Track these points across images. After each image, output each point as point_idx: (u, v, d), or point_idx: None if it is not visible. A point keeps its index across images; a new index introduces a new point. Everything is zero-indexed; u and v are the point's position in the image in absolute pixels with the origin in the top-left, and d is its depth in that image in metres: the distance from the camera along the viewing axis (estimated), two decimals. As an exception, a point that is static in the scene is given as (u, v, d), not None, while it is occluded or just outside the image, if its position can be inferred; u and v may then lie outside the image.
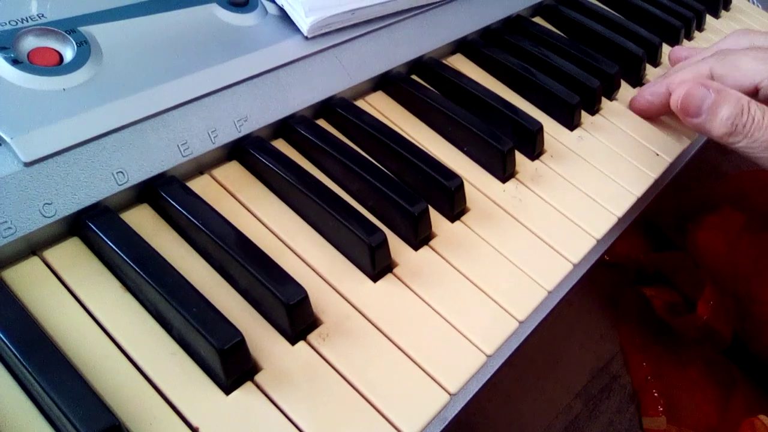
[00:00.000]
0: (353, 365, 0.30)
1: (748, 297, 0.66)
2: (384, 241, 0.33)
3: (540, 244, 0.38)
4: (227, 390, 0.28)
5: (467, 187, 0.39)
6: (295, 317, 0.30)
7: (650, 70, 0.56)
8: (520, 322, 0.34)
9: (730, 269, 0.67)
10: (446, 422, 0.30)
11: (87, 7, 0.36)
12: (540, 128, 0.43)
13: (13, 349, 0.26)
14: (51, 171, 0.31)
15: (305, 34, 0.40)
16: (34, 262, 0.31)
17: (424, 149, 0.40)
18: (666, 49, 0.58)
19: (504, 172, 0.41)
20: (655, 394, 0.59)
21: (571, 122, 0.46)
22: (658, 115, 0.50)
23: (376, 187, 0.36)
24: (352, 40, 0.42)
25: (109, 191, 0.32)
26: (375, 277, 0.34)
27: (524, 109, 0.45)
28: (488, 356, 0.32)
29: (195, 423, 0.27)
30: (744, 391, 0.63)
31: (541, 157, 0.44)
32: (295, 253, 0.34)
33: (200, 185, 0.36)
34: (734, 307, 0.65)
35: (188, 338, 0.28)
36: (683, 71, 0.47)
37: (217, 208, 0.33)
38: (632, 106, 0.50)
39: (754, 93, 0.43)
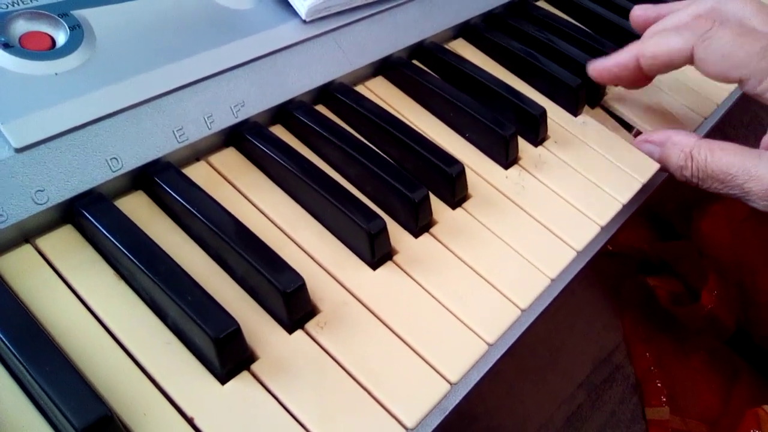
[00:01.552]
0: (351, 354, 0.29)
1: (752, 286, 0.65)
2: (383, 229, 0.32)
3: (543, 231, 0.37)
4: (223, 379, 0.27)
5: (469, 174, 0.38)
6: (293, 305, 0.29)
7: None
8: (523, 311, 0.33)
9: (734, 258, 0.66)
10: (447, 412, 0.29)
11: (80, -11, 0.36)
12: (543, 113, 0.42)
13: (5, 339, 0.25)
14: (43, 157, 0.30)
15: (303, 18, 0.39)
16: (27, 250, 0.30)
17: (424, 135, 0.39)
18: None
19: (506, 158, 0.40)
20: (658, 385, 0.59)
21: (575, 107, 0.45)
22: (623, 84, 0.46)
23: (375, 174, 0.35)
24: (352, 24, 0.42)
25: (102, 178, 0.31)
26: (374, 265, 0.33)
27: (528, 95, 0.44)
28: (490, 345, 0.32)
29: (190, 413, 0.26)
30: (747, 381, 0.62)
31: (545, 143, 0.43)
32: (293, 241, 0.33)
33: (196, 172, 0.35)
34: (738, 297, 0.65)
35: (183, 327, 0.28)
36: (654, 42, 0.41)
37: (213, 195, 0.32)
38: (594, 76, 0.45)
39: (739, 82, 0.40)
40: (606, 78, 0.44)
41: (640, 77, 0.43)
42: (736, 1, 0.42)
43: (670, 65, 0.41)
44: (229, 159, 0.36)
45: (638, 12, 0.48)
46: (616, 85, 0.46)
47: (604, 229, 0.39)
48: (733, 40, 0.38)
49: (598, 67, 0.44)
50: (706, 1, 0.43)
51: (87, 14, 0.35)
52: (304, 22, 0.39)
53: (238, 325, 0.27)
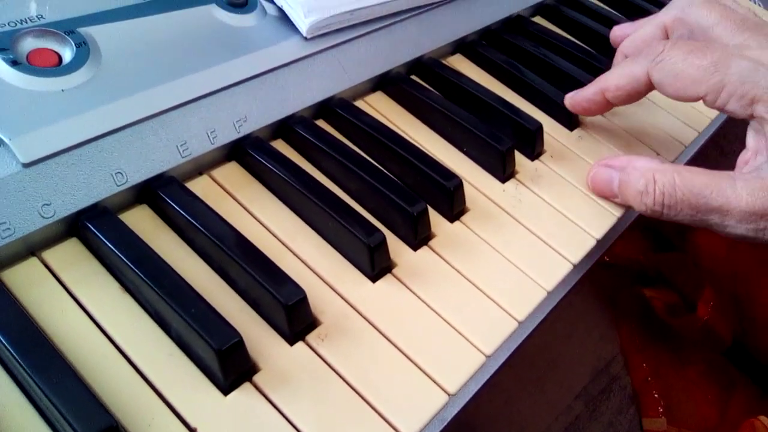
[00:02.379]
0: (352, 366, 0.30)
1: (747, 298, 0.65)
2: (383, 242, 0.33)
3: (540, 244, 0.38)
4: (225, 391, 0.28)
5: (467, 188, 0.39)
6: (294, 318, 0.29)
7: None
8: (520, 323, 0.34)
9: (730, 270, 0.66)
10: (445, 423, 0.30)
11: (86, 8, 0.36)
12: (539, 128, 0.42)
13: (12, 350, 0.26)
14: (50, 172, 0.31)
15: (304, 35, 0.40)
16: (33, 263, 0.31)
17: (423, 150, 0.40)
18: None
19: (503, 172, 0.41)
20: (655, 395, 0.59)
21: (570, 122, 0.46)
22: (598, 114, 0.47)
23: (375, 188, 0.36)
24: (352, 41, 0.42)
25: (107, 192, 0.32)
26: (374, 278, 0.34)
27: (524, 110, 0.44)
28: (487, 357, 0.32)
29: (193, 424, 0.27)
30: (744, 392, 0.62)
31: (541, 157, 0.44)
32: (294, 254, 0.34)
33: (199, 186, 0.36)
34: (734, 309, 0.65)
35: (187, 339, 0.28)
36: (615, 74, 0.41)
37: (216, 209, 0.33)
38: (569, 107, 0.45)
39: (700, 100, 0.38)
40: (579, 111, 0.45)
41: (610, 107, 0.43)
42: (701, 9, 0.41)
43: (634, 94, 0.41)
44: (232, 173, 0.37)
45: (618, 33, 0.48)
46: (593, 115, 0.47)
47: (599, 242, 0.39)
48: (683, 59, 0.37)
49: (571, 102, 0.44)
50: (671, 10, 0.42)
51: (93, 32, 0.36)
52: (306, 39, 0.40)
53: (241, 337, 0.27)
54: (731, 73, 0.35)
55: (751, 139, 0.37)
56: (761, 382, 0.63)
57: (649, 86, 0.40)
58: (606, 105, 0.43)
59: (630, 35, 0.45)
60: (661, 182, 0.36)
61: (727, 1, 0.43)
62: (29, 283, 0.30)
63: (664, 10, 0.43)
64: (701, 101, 0.38)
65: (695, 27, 0.41)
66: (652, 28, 0.43)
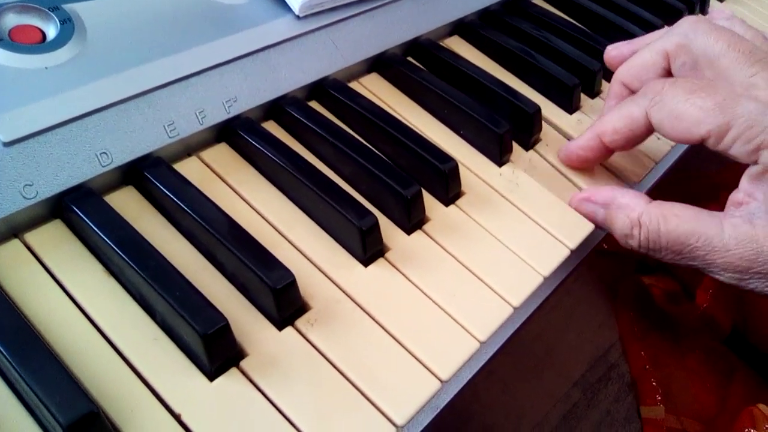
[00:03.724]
0: (342, 351, 0.29)
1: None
2: (375, 225, 0.32)
3: (536, 229, 0.37)
4: (211, 376, 0.27)
5: (463, 171, 0.38)
6: (283, 302, 0.29)
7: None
8: (515, 308, 0.33)
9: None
10: (438, 410, 0.29)
11: (71, -17, 0.35)
12: (537, 110, 0.41)
13: (-9, 334, 0.25)
14: (32, 151, 0.30)
15: (297, 14, 0.39)
16: (15, 244, 0.30)
17: (418, 132, 0.39)
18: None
19: (500, 155, 0.40)
20: (654, 383, 0.59)
21: (570, 105, 0.45)
22: (597, 164, 0.43)
23: (368, 170, 0.35)
24: (346, 20, 0.41)
25: (92, 173, 0.31)
26: (366, 262, 0.33)
27: (523, 93, 0.43)
28: (481, 343, 0.31)
29: (177, 409, 0.26)
30: (743, 380, 0.62)
31: (539, 141, 0.43)
32: (284, 237, 0.33)
33: (187, 167, 0.35)
34: (733, 296, 0.65)
35: (172, 323, 0.27)
36: (612, 117, 0.38)
37: (204, 191, 0.32)
38: (563, 161, 0.42)
39: (701, 144, 0.35)
40: (576, 162, 0.41)
41: (609, 153, 0.41)
42: (707, 37, 0.37)
43: (633, 137, 0.38)
44: (221, 155, 0.36)
45: (613, 53, 0.44)
46: (587, 168, 0.42)
47: (598, 227, 0.39)
48: (685, 99, 0.34)
49: (564, 155, 0.41)
50: (674, 36, 0.39)
51: (78, 8, 0.35)
52: (298, 17, 0.39)
53: (227, 321, 0.27)
54: (738, 115, 0.33)
55: (745, 182, 0.35)
56: (761, 370, 0.62)
57: (649, 128, 0.37)
58: (604, 151, 0.40)
59: (627, 60, 0.42)
60: (645, 228, 0.35)
61: (736, 25, 0.40)
62: (10, 265, 0.29)
63: (666, 34, 0.40)
64: (704, 142, 0.35)
65: (700, 56, 0.37)
66: (652, 54, 0.40)
